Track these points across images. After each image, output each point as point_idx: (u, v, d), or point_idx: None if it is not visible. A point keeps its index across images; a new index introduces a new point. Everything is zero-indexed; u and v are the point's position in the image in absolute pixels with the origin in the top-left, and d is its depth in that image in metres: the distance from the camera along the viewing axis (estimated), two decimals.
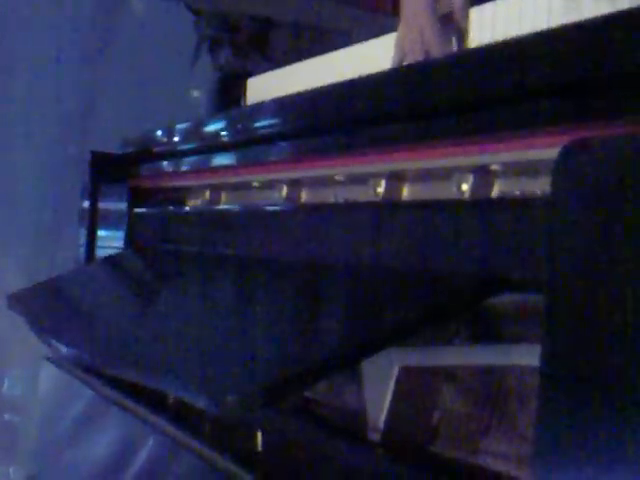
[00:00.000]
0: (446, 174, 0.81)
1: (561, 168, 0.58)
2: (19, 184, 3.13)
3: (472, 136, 0.76)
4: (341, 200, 0.97)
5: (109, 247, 1.39)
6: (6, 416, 3.08)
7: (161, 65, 3.10)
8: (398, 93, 0.84)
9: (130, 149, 1.46)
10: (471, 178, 0.79)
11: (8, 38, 3.00)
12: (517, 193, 0.75)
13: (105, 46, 3.23)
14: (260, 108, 1.11)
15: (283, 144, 1.04)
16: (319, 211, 0.96)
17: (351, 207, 0.92)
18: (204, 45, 3.38)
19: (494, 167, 0.77)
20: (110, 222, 1.39)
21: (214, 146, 1.20)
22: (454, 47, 1.22)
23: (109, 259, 1.32)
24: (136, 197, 1.37)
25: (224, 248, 1.10)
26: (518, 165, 0.75)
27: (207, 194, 1.26)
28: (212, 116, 1.43)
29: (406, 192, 0.89)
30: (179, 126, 1.31)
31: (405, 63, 1.25)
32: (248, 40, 3.23)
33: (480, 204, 0.75)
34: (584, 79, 0.65)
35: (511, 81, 0.71)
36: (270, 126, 1.07)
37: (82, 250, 1.42)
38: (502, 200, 0.76)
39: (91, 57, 3.20)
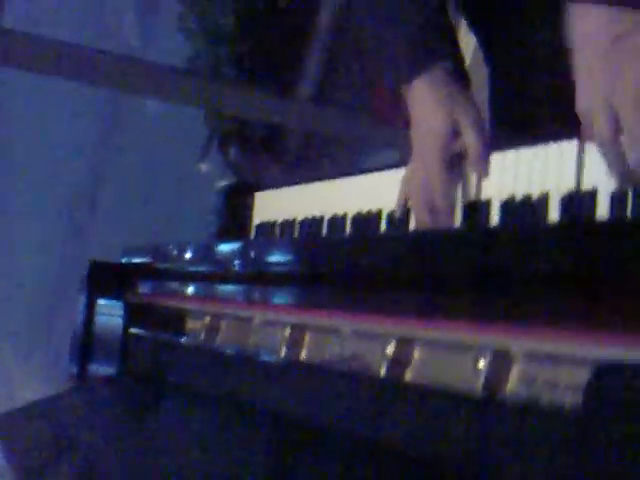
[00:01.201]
0: (462, 348, 0.77)
1: (593, 390, 0.54)
2: (25, 254, 3.10)
3: (494, 317, 0.73)
4: (347, 353, 0.93)
5: (103, 361, 1.34)
6: None
7: (171, 160, 3.11)
8: (419, 260, 0.80)
9: (130, 259, 1.43)
10: (489, 356, 0.75)
11: (25, 128, 3.02)
12: (540, 382, 0.71)
13: (116, 137, 3.24)
14: (272, 245, 1.08)
15: (291, 287, 1.00)
16: (321, 371, 0.91)
17: (354, 377, 0.88)
18: (214, 139, 3.38)
19: (514, 350, 0.73)
20: (105, 338, 1.34)
21: (220, 275, 1.16)
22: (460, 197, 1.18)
23: (96, 388, 1.27)
24: (133, 314, 1.33)
25: (218, 389, 1.05)
26: (539, 353, 0.71)
27: (207, 320, 1.22)
28: (221, 241, 1.39)
29: (417, 356, 0.85)
30: (184, 247, 1.27)
31: (409, 203, 1.22)
32: (258, 139, 3.22)
33: (496, 404, 0.71)
34: (607, 276, 0.62)
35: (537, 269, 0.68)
36: (280, 264, 1.03)
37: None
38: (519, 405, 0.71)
39: (104, 146, 3.21)
